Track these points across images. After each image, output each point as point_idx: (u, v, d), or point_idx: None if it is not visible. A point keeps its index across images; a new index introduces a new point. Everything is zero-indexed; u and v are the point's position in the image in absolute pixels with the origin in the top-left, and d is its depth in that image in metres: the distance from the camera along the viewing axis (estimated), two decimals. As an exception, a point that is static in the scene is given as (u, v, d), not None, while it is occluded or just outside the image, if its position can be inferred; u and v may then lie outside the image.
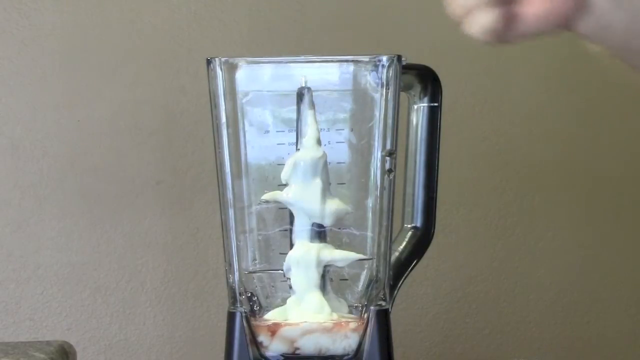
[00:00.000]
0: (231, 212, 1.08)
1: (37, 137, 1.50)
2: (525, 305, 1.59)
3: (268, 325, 1.06)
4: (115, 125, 1.50)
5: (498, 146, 1.58)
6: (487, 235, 1.58)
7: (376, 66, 1.07)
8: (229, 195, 1.08)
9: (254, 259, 1.10)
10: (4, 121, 1.49)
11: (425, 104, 1.14)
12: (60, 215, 1.50)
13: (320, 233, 1.07)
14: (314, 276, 1.06)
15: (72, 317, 1.51)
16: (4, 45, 1.49)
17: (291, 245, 1.07)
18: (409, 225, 1.15)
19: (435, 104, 1.13)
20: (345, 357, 1.06)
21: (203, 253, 1.52)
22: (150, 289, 1.52)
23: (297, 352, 1.05)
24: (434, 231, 1.14)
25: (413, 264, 1.14)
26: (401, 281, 1.13)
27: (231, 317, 1.06)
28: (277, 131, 1.09)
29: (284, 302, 1.08)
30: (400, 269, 1.13)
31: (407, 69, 1.09)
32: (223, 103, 1.07)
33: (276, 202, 1.07)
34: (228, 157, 1.07)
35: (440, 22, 1.59)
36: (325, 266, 1.07)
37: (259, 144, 1.09)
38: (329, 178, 1.07)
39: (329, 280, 1.08)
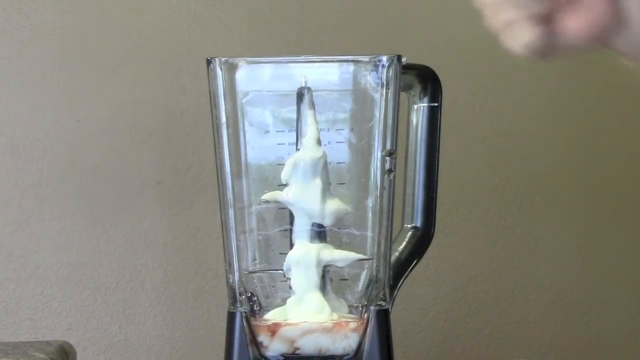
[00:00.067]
0: (231, 212, 1.08)
1: (37, 137, 1.50)
2: (525, 305, 1.59)
3: (268, 325, 1.06)
4: (115, 125, 1.50)
5: (498, 146, 1.58)
6: (487, 235, 1.58)
7: (376, 66, 1.07)
8: (229, 195, 1.08)
9: (254, 259, 1.10)
10: (4, 121, 1.49)
11: (425, 104, 1.14)
12: (60, 215, 1.50)
13: (320, 233, 1.07)
14: (314, 276, 1.06)
15: (72, 317, 1.51)
16: (4, 45, 1.49)
17: (291, 245, 1.07)
18: (409, 225, 1.15)
19: (435, 104, 1.13)
20: (345, 357, 1.06)
21: (203, 253, 1.52)
22: (150, 289, 1.52)
23: (297, 352, 1.05)
24: (434, 231, 1.14)
25: (413, 264, 1.14)
26: (401, 281, 1.13)
27: (231, 317, 1.06)
28: (277, 131, 1.09)
29: (284, 302, 1.08)
30: (400, 269, 1.13)
31: (407, 69, 1.09)
32: (223, 103, 1.07)
33: (276, 202, 1.07)
34: (228, 157, 1.07)
35: (440, 22, 1.61)
36: (325, 266, 1.07)
37: (259, 144, 1.09)
38: (329, 178, 1.07)
39: (329, 280, 1.08)
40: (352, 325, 1.06)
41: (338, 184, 1.09)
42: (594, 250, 1.61)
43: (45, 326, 1.50)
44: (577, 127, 1.61)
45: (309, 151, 1.06)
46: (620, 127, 1.62)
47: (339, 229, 1.08)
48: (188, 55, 1.51)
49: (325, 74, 1.10)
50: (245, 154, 1.08)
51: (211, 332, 1.52)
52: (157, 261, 1.52)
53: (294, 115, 1.07)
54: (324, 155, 1.06)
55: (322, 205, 1.06)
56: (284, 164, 1.06)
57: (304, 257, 1.06)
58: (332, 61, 1.11)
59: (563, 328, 1.60)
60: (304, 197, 1.06)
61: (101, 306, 1.51)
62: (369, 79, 1.08)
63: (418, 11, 1.56)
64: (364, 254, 1.08)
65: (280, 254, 1.08)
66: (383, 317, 1.06)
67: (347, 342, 1.05)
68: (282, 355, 1.05)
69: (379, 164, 1.08)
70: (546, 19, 0.73)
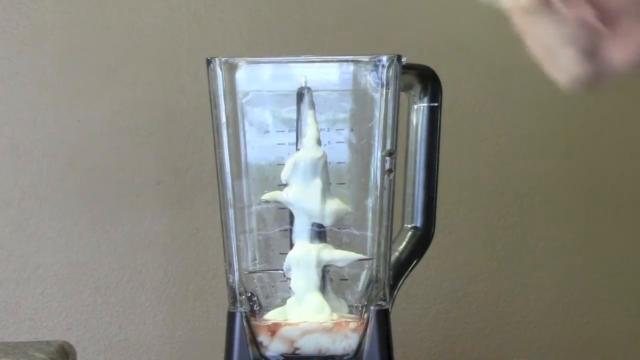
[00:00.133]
0: (231, 212, 1.08)
1: (37, 137, 1.49)
2: (525, 305, 1.59)
3: (268, 325, 1.06)
4: (115, 125, 1.50)
5: (498, 146, 1.58)
6: (487, 235, 1.58)
7: (376, 66, 1.07)
8: (229, 195, 1.08)
9: (254, 259, 1.10)
10: (4, 121, 1.49)
11: (425, 104, 1.14)
12: (60, 215, 1.50)
13: (320, 233, 1.07)
14: (314, 277, 1.06)
15: (72, 317, 1.51)
16: (4, 45, 1.49)
17: (291, 245, 1.07)
18: (409, 225, 1.15)
19: (435, 104, 1.14)
20: (345, 357, 1.06)
21: (203, 253, 1.52)
22: (150, 289, 1.52)
23: (297, 352, 1.05)
24: (434, 231, 1.15)
25: (413, 264, 1.14)
26: (401, 281, 1.13)
27: (231, 317, 1.06)
28: (277, 131, 1.10)
29: (284, 302, 1.08)
30: (400, 269, 1.13)
31: (407, 69, 1.09)
32: (223, 103, 1.07)
33: (276, 202, 1.07)
34: (228, 157, 1.07)
35: (440, 22, 1.60)
36: (325, 266, 1.07)
37: (259, 144, 1.09)
38: (329, 178, 1.07)
39: (329, 280, 1.08)
40: (352, 325, 1.06)
41: (338, 184, 1.09)
42: (594, 250, 1.61)
43: (45, 326, 1.50)
44: (577, 127, 1.61)
45: (309, 151, 1.06)
46: (620, 127, 1.62)
47: (339, 229, 1.08)
48: (188, 55, 1.51)
49: (325, 74, 1.11)
50: (245, 154, 1.08)
51: (211, 332, 1.52)
52: (157, 261, 1.52)
53: (294, 115, 1.08)
54: (324, 155, 1.06)
55: (322, 205, 1.06)
56: (284, 164, 1.06)
57: (304, 257, 1.06)
58: (332, 61, 1.11)
59: (563, 328, 1.60)
60: (304, 197, 1.06)
61: (101, 306, 1.51)
62: (369, 79, 1.08)
63: (418, 11, 1.56)
64: (364, 254, 1.08)
65: (280, 254, 1.08)
66: (383, 317, 1.06)
67: (347, 342, 1.05)
68: (282, 355, 1.06)
69: (379, 164, 1.08)
70: (591, 51, 0.73)
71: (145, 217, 1.51)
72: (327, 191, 1.06)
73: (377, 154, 1.08)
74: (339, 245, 1.08)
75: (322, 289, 1.07)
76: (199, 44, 1.51)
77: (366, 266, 1.09)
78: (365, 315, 1.06)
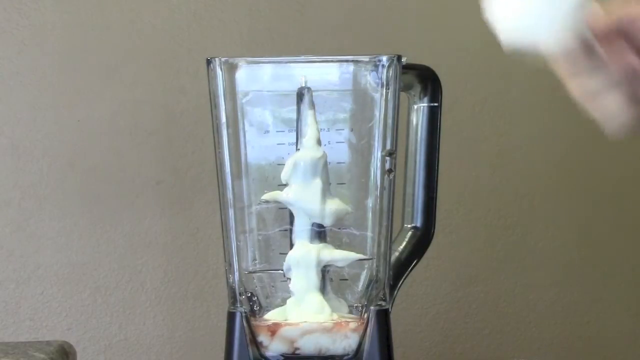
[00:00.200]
0: (231, 212, 1.08)
1: (37, 137, 1.49)
2: (525, 305, 1.59)
3: (268, 325, 1.06)
4: (115, 125, 1.50)
5: (498, 146, 1.58)
6: (487, 235, 1.58)
7: (376, 66, 1.07)
8: (229, 195, 1.08)
9: (254, 259, 1.10)
10: (4, 121, 1.49)
11: (425, 104, 1.14)
12: (60, 215, 1.50)
13: (320, 233, 1.07)
14: (314, 277, 1.06)
15: (72, 317, 1.51)
16: (4, 45, 1.49)
17: (291, 245, 1.07)
18: (409, 225, 1.15)
19: (435, 104, 1.14)
20: (345, 357, 1.06)
21: (203, 253, 1.52)
22: (150, 289, 1.52)
23: (297, 352, 1.05)
24: (434, 231, 1.14)
25: (413, 264, 1.14)
26: (401, 281, 1.13)
27: (231, 317, 1.06)
28: (277, 131, 1.10)
29: (284, 302, 1.08)
30: (400, 269, 1.13)
31: (407, 69, 1.09)
32: (223, 103, 1.07)
33: (276, 202, 1.07)
34: (228, 157, 1.07)
35: (440, 22, 1.60)
36: (325, 266, 1.07)
37: (259, 144, 1.09)
38: (329, 178, 1.07)
39: (329, 280, 1.08)
40: (352, 325, 1.06)
41: (338, 184, 1.09)
42: (594, 250, 1.61)
43: (45, 326, 1.50)
44: (577, 127, 1.61)
45: (309, 151, 1.06)
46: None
47: (339, 229, 1.08)
48: (188, 55, 1.51)
49: (325, 74, 1.11)
50: (245, 154, 1.08)
51: (211, 332, 1.52)
52: (157, 261, 1.52)
53: (294, 115, 1.08)
54: (324, 155, 1.06)
55: (322, 205, 1.06)
56: (284, 164, 1.06)
57: (304, 257, 1.06)
58: (332, 61, 1.11)
59: (563, 328, 1.60)
60: (304, 197, 1.06)
61: (101, 306, 1.51)
62: (369, 79, 1.08)
63: (418, 11, 1.56)
64: (364, 254, 1.08)
65: (280, 254, 1.08)
66: (383, 317, 1.06)
67: (347, 342, 1.05)
68: (282, 355, 1.05)
69: (379, 164, 1.08)
70: (637, 97, 0.72)
71: (145, 217, 1.51)
72: (327, 191, 1.06)
73: (377, 154, 1.08)
74: (339, 245, 1.08)
75: (322, 289, 1.07)
76: (199, 44, 1.51)
77: (366, 266, 1.09)
78: (365, 315, 1.06)
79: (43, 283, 1.50)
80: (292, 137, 1.08)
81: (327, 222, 1.07)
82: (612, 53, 0.71)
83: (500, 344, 1.59)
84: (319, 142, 1.06)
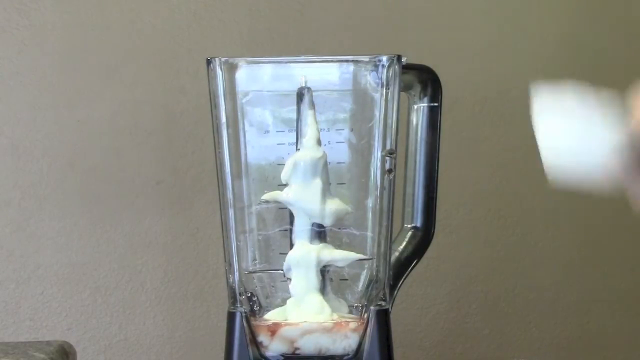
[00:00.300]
0: (231, 212, 1.08)
1: (37, 137, 1.49)
2: (525, 305, 1.59)
3: (268, 325, 1.06)
4: (115, 125, 1.50)
5: (498, 146, 1.58)
6: (487, 235, 1.58)
7: (376, 66, 1.07)
8: (229, 195, 1.08)
9: (254, 259, 1.10)
10: (4, 121, 1.49)
11: (425, 104, 1.14)
12: (60, 215, 1.50)
13: (320, 233, 1.07)
14: (314, 277, 1.06)
15: (72, 317, 1.51)
16: (4, 45, 1.49)
17: (291, 245, 1.07)
18: (409, 225, 1.15)
19: (435, 104, 1.14)
20: (345, 357, 1.06)
21: (203, 253, 1.52)
22: (150, 289, 1.52)
23: (297, 352, 1.05)
24: (434, 231, 1.14)
25: (413, 264, 1.14)
26: (401, 281, 1.13)
27: (231, 317, 1.06)
28: (277, 131, 1.10)
29: (284, 302, 1.08)
30: (400, 269, 1.13)
31: (407, 69, 1.09)
32: (223, 103, 1.07)
33: (276, 202, 1.07)
34: (228, 157, 1.07)
35: (440, 22, 1.60)
36: (325, 266, 1.07)
37: (259, 144, 1.09)
38: (329, 178, 1.07)
39: (329, 280, 1.08)
40: (352, 325, 1.06)
41: (338, 184, 1.09)
42: (594, 250, 1.61)
43: (45, 326, 1.50)
44: (577, 127, 1.61)
45: (309, 151, 1.06)
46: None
47: (339, 229, 1.08)
48: (188, 55, 1.51)
49: (325, 74, 1.11)
50: (245, 154, 1.08)
51: (211, 332, 1.52)
52: (157, 261, 1.52)
53: (294, 115, 1.08)
54: (324, 155, 1.06)
55: (322, 205, 1.06)
56: (284, 164, 1.06)
57: (304, 257, 1.06)
58: (332, 61, 1.11)
59: (563, 328, 1.60)
60: (304, 197, 1.06)
61: (101, 306, 1.51)
62: (369, 79, 1.08)
63: (418, 11, 1.56)
64: (364, 254, 1.08)
65: (280, 254, 1.08)
66: (383, 317, 1.06)
67: (347, 342, 1.05)
68: (282, 355, 1.05)
69: (379, 164, 1.08)
70: None
71: (145, 217, 1.51)
72: (327, 191, 1.06)
73: (377, 154, 1.08)
74: (339, 245, 1.08)
75: (322, 289, 1.07)
76: (199, 44, 1.51)
77: (366, 266, 1.09)
78: (365, 315, 1.06)
79: (43, 283, 1.50)
80: (292, 137, 1.08)
81: (327, 222, 1.07)
82: None
83: (500, 344, 1.59)
84: (319, 142, 1.06)
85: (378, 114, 1.08)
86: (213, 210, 1.41)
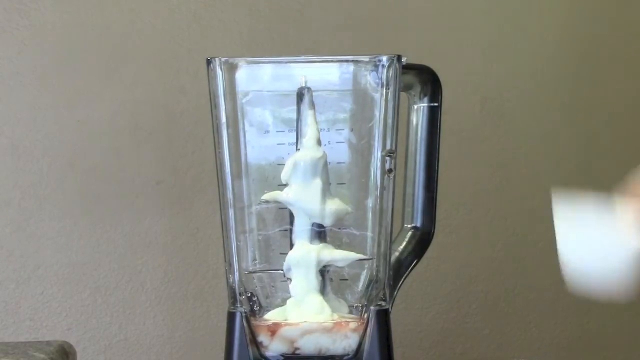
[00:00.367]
0: (231, 212, 1.08)
1: (37, 137, 1.50)
2: (525, 305, 1.59)
3: (268, 325, 1.06)
4: (115, 125, 1.50)
5: (498, 146, 1.58)
6: (487, 235, 1.58)
7: (376, 66, 1.07)
8: (229, 195, 1.08)
9: (254, 259, 1.10)
10: (4, 121, 1.49)
11: (425, 104, 1.14)
12: (60, 215, 1.50)
13: (320, 233, 1.07)
14: (314, 278, 1.06)
15: (72, 317, 1.51)
16: (4, 45, 1.49)
17: (291, 245, 1.07)
18: (409, 225, 1.15)
19: (435, 104, 1.13)
20: (345, 357, 1.06)
21: (203, 253, 1.52)
22: (150, 289, 1.52)
23: (297, 352, 1.05)
24: (434, 231, 1.14)
25: (413, 264, 1.14)
26: (401, 281, 1.13)
27: (231, 317, 1.06)
28: (277, 131, 1.09)
29: (284, 302, 1.08)
30: (400, 269, 1.13)
31: (407, 69, 1.09)
32: (223, 103, 1.07)
33: (276, 202, 1.07)
34: (228, 157, 1.07)
35: (440, 22, 1.60)
36: (325, 266, 1.07)
37: (259, 144, 1.09)
38: (329, 178, 1.07)
39: (329, 280, 1.08)
40: (352, 325, 1.05)
41: (338, 184, 1.09)
42: (594, 250, 1.61)
43: (45, 326, 1.50)
44: (577, 127, 1.61)
45: (309, 151, 1.06)
46: (620, 127, 1.62)
47: (339, 229, 1.08)
48: (188, 55, 1.51)
49: (325, 74, 1.10)
50: (245, 154, 1.08)
51: (211, 332, 1.52)
52: (157, 261, 1.52)
53: (294, 115, 1.07)
54: (324, 155, 1.06)
55: (322, 205, 1.06)
56: (284, 164, 1.06)
57: (304, 257, 1.06)
58: (332, 61, 1.11)
59: (563, 328, 1.60)
60: (304, 197, 1.06)
61: (101, 306, 1.51)
62: (369, 79, 1.08)
63: (418, 11, 1.56)
64: (364, 254, 1.08)
65: (280, 254, 1.08)
66: (383, 317, 1.06)
67: (347, 342, 1.05)
68: (282, 355, 1.05)
69: (379, 164, 1.08)
70: None
71: (145, 217, 1.51)
72: (327, 191, 1.06)
73: (377, 154, 1.08)
74: (339, 245, 1.08)
75: (322, 289, 1.07)
76: (199, 44, 1.51)
77: (366, 266, 1.09)
78: (365, 315, 1.06)
79: (43, 283, 1.50)
80: (292, 137, 1.08)
81: (327, 222, 1.07)
82: None
83: (500, 344, 1.59)
84: (319, 142, 1.06)
85: (378, 114, 1.08)
86: (213, 210, 1.41)
